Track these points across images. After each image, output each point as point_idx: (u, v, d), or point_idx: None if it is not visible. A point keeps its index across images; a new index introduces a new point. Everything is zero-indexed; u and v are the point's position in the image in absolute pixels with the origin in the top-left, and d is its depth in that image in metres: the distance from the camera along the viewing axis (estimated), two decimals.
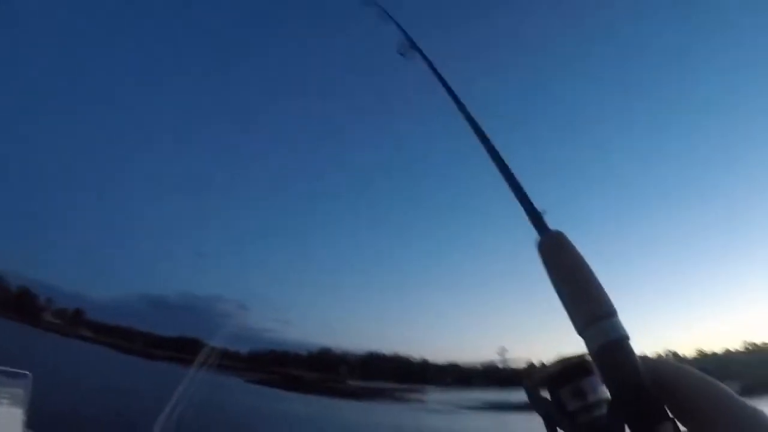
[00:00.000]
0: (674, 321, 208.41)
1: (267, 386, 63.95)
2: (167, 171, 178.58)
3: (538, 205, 0.69)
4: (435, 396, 78.51)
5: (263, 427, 23.34)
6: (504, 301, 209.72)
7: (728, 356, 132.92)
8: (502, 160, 0.95)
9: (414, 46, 1.65)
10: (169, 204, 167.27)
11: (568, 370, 1.02)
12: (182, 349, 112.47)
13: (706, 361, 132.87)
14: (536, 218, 0.85)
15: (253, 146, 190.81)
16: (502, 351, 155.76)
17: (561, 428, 1.00)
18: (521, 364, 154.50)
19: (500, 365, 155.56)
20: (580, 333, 0.68)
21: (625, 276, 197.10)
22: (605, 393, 0.77)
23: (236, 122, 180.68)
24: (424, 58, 1.49)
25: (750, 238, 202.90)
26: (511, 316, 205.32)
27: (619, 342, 0.63)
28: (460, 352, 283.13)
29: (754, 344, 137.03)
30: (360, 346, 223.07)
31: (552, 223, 0.67)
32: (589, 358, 0.88)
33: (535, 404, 1.06)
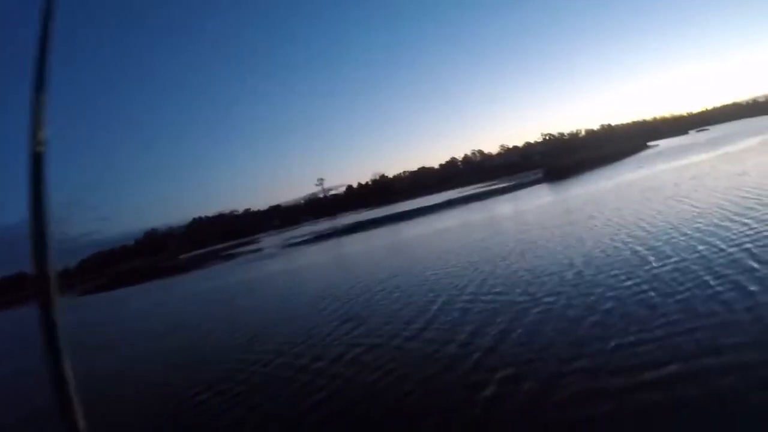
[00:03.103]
0: (479, 122, 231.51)
1: (100, 292, 60.73)
2: None
3: None
4: (266, 242, 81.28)
5: (94, 337, 22.99)
6: (313, 133, 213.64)
7: (528, 147, 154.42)
8: None
9: None
10: None
11: None
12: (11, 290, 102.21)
13: (511, 154, 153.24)
14: None
15: None
16: (321, 181, 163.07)
17: None
18: (340, 190, 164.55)
19: (321, 195, 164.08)
20: None
21: (442, 78, 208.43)
22: None
23: None
24: None
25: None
26: (321, 147, 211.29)
27: None
28: (281, 193, 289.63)
29: (550, 134, 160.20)
30: (183, 216, 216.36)
31: None
32: None
33: None
